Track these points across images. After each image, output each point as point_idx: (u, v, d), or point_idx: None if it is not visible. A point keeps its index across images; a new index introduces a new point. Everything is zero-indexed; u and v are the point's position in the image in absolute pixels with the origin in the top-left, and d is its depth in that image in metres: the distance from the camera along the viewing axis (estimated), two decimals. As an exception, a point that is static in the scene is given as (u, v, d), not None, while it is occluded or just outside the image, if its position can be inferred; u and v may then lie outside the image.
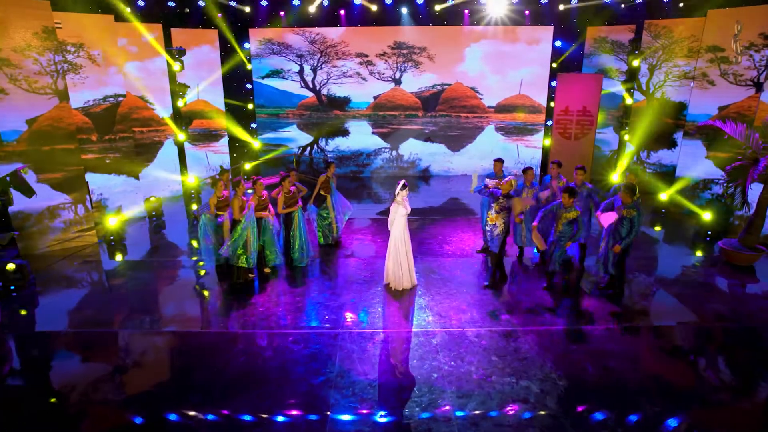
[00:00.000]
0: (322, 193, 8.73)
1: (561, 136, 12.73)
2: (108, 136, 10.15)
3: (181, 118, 12.39)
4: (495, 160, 8.25)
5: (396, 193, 6.81)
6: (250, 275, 7.49)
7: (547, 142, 13.66)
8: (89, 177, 10.02)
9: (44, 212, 8.63)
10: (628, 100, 12.25)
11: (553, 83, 13.19)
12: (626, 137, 12.56)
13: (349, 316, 6.45)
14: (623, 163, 12.64)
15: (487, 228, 7.25)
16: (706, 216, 9.54)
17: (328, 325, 6.24)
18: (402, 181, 6.86)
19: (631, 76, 12.21)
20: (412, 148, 14.60)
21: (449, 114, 14.32)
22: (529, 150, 14.44)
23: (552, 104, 13.07)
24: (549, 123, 13.68)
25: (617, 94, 12.93)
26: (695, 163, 10.55)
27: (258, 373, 5.26)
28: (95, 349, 5.91)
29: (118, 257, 8.82)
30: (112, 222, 9.34)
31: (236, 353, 5.67)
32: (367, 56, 13.77)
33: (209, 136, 13.62)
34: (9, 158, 8.04)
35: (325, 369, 5.31)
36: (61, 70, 8.51)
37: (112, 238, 9.33)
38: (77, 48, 9.40)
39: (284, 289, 7.31)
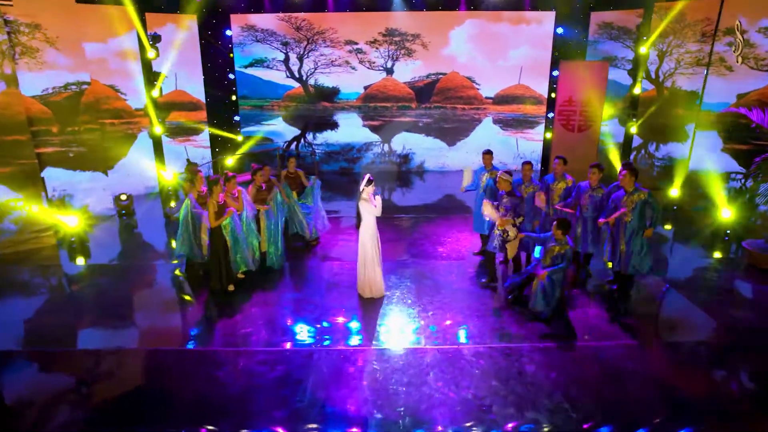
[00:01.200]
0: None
1: (563, 129, 11.92)
2: (71, 128, 9.26)
3: (157, 109, 11.50)
4: (484, 153, 7.40)
5: (360, 189, 6.01)
6: (231, 287, 6.62)
7: (549, 135, 12.84)
8: (50, 172, 9.18)
9: (-8, 211, 7.77)
10: (636, 90, 11.42)
11: (555, 72, 12.35)
12: (633, 129, 11.73)
13: (327, 331, 5.62)
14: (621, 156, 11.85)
15: (497, 232, 6.47)
16: (725, 213, 8.74)
17: (302, 341, 5.40)
18: (367, 176, 6.09)
19: (639, 63, 11.38)
20: (405, 142, 13.75)
21: (444, 105, 13.47)
22: (530, 144, 13.61)
23: (553, 95, 12.24)
24: (550, 115, 12.85)
25: (623, 83, 12.11)
26: (710, 156, 9.74)
27: (213, 403, 4.43)
28: (41, 369, 5.07)
29: (80, 261, 7.97)
30: (73, 222, 8.45)
31: (192, 376, 4.83)
32: (356, 44, 12.91)
33: (188, 129, 12.74)
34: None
35: (294, 398, 4.48)
36: (8, 52, 7.62)
37: (73, 239, 8.46)
38: (31, 29, 8.50)
39: (255, 298, 6.46)
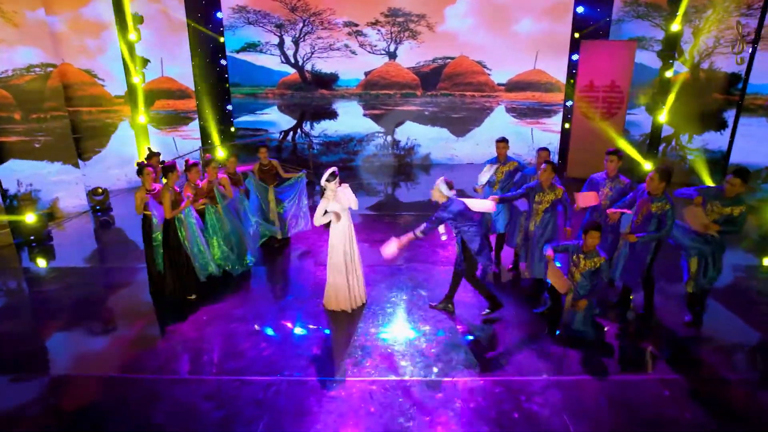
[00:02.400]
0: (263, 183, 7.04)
1: (584, 117, 10.75)
2: (35, 115, 8.43)
3: (140, 97, 10.64)
4: (498, 141, 6.34)
5: (321, 184, 5.03)
6: (190, 296, 5.73)
7: (567, 125, 11.66)
8: (14, 164, 8.36)
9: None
10: (667, 73, 10.17)
11: (575, 57, 11.15)
12: (662, 117, 10.49)
13: (290, 356, 4.65)
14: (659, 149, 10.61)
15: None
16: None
17: (259, 370, 4.44)
18: (331, 169, 5.07)
19: (671, 43, 10.13)
20: (409, 133, 12.70)
21: (452, 93, 12.37)
22: (546, 134, 12.44)
23: (573, 81, 11.05)
24: (569, 103, 11.67)
25: (652, 67, 10.85)
26: (756, 146, 8.50)
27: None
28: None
29: (41, 263, 7.14)
30: (29, 219, 7.61)
31: (115, 414, 3.91)
32: (356, 25, 11.87)
33: (177, 118, 11.88)
34: None
35: (238, 447, 3.53)
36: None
37: (33, 238, 7.63)
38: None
39: (213, 311, 5.51)
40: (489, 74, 12.19)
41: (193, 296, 5.69)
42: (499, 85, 12.25)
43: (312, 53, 12.11)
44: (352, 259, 5.24)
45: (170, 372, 4.41)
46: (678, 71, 10.26)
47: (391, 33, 11.92)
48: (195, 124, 12.10)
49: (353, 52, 12.10)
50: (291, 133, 12.81)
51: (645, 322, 5.16)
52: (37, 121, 8.45)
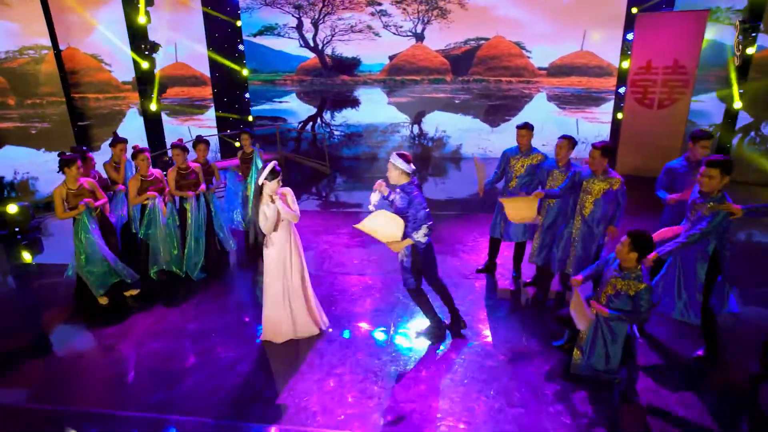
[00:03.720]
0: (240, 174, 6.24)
1: (638, 104, 9.20)
2: (31, 101, 8.05)
3: (150, 83, 10.13)
4: (519, 128, 5.16)
5: (259, 182, 3.90)
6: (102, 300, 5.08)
7: (620, 115, 10.09)
8: (9, 151, 8.04)
9: None
10: (749, 49, 8.39)
11: (630, 36, 9.55)
12: (738, 104, 8.73)
13: (216, 400, 3.75)
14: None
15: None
16: None
17: (194, 404, 3.58)
18: (271, 164, 3.91)
19: (755, 13, 8.35)
20: (438, 122, 11.54)
21: (486, 78, 11.08)
22: (594, 126, 10.91)
23: (627, 63, 9.47)
24: (622, 90, 10.09)
25: (726, 43, 9.11)
26: None
27: None
28: None
29: (25, 257, 6.70)
30: (12, 209, 7.19)
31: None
32: (380, 4, 10.84)
33: (192, 106, 11.37)
34: None
35: None
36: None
37: (18, 230, 7.22)
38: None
39: (150, 326, 4.71)
40: (529, 57, 10.80)
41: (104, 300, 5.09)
42: (540, 69, 10.83)
43: (332, 36, 11.21)
44: (294, 283, 4.17)
45: (58, 402, 3.63)
46: (763, 46, 8.48)
47: (419, 12, 10.79)
48: (211, 113, 11.54)
49: (377, 34, 11.08)
50: (311, 122, 12.00)
51: (706, 365, 3.88)
52: (32, 107, 8.07)
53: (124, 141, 5.69)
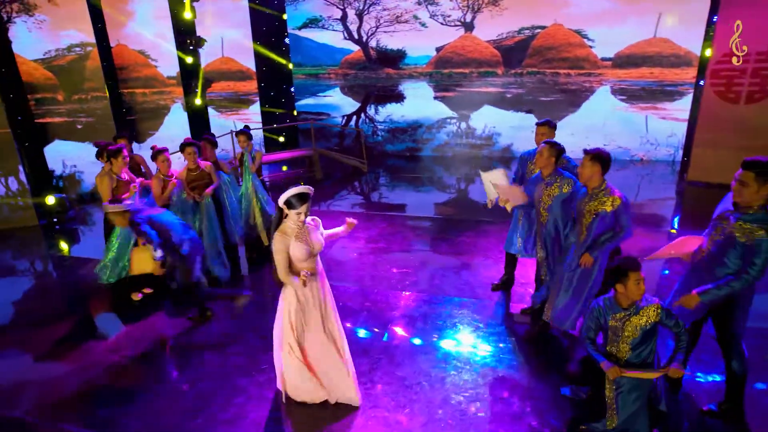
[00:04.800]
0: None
1: (720, 98, 7.90)
2: (77, 96, 8.35)
3: (195, 78, 10.27)
4: (538, 125, 4.46)
5: (281, 211, 3.02)
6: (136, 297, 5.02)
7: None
8: (58, 145, 8.41)
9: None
10: None
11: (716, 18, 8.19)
12: None
13: None
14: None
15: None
16: None
17: None
18: (299, 189, 2.96)
19: None
20: (487, 119, 10.73)
21: (542, 71, 10.10)
22: (667, 124, 9.60)
23: (709, 52, 8.14)
24: (702, 82, 8.74)
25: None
26: None
27: None
28: None
29: (62, 246, 6.95)
30: (50, 201, 7.48)
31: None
32: (427, -8, 10.22)
33: (237, 101, 11.43)
34: None
35: None
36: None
37: (55, 221, 7.52)
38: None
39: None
40: (591, 46, 9.69)
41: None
42: (604, 59, 9.68)
43: (377, 27, 10.74)
44: (321, 338, 3.29)
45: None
46: None
47: (468, 0, 10.03)
48: (256, 107, 11.55)
49: (423, 25, 10.46)
50: (354, 117, 11.65)
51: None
52: (78, 102, 8.37)
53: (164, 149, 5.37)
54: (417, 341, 4.17)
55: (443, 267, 5.56)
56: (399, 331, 4.34)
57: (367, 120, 11.53)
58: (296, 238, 3.05)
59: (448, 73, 10.66)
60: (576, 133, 10.09)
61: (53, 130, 8.23)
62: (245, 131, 5.84)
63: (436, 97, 10.93)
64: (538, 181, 3.94)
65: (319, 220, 3.27)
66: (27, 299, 5.46)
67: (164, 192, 5.12)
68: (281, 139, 11.56)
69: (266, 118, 11.56)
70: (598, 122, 9.99)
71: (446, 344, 4.11)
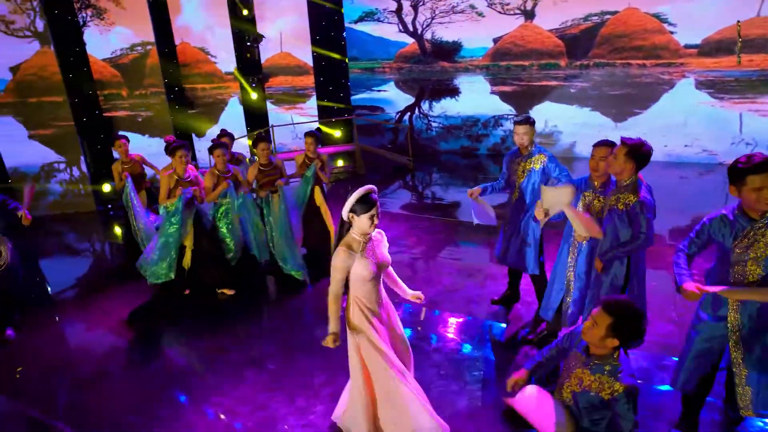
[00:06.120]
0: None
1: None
2: (138, 91, 9.00)
3: (250, 74, 10.63)
4: (516, 123, 3.92)
5: (343, 223, 2.67)
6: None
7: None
8: (122, 137, 9.13)
9: (40, 172, 7.93)
10: None
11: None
12: None
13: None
14: None
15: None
16: None
17: None
18: (364, 189, 2.58)
19: None
20: (548, 115, 9.82)
21: (612, 61, 8.98)
22: (765, 121, 8.08)
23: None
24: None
25: None
26: None
27: None
28: None
29: (114, 232, 7.57)
30: (106, 188, 8.13)
31: None
32: (485, -21, 9.55)
33: (295, 95, 11.64)
34: (-1, 110, 7.43)
35: None
36: (39, 8, 7.41)
37: (110, 206, 8.17)
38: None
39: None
40: (672, 32, 8.41)
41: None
42: (687, 47, 8.36)
43: (432, 18, 10.28)
44: (390, 372, 2.72)
45: None
46: None
47: (529, -16, 9.20)
48: (313, 102, 11.67)
49: (480, 14, 9.81)
50: (408, 113, 11.32)
51: None
52: (139, 97, 9.02)
53: (222, 145, 5.05)
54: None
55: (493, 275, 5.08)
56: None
57: (421, 115, 11.13)
58: (361, 254, 2.65)
59: (505, 66, 9.91)
60: (650, 134, 8.79)
61: (118, 123, 8.95)
62: (315, 133, 5.32)
63: (492, 92, 10.23)
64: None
65: (384, 233, 2.85)
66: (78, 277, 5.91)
67: (215, 189, 4.78)
68: (337, 134, 11.56)
69: (323, 112, 11.64)
70: (677, 120, 8.69)
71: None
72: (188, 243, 4.79)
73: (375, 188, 2.62)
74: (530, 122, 3.88)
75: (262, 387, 3.57)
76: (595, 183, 3.41)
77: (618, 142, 3.09)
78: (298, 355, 3.89)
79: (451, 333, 4.13)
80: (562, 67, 9.42)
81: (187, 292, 5.02)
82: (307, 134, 5.25)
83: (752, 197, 2.28)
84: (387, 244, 2.84)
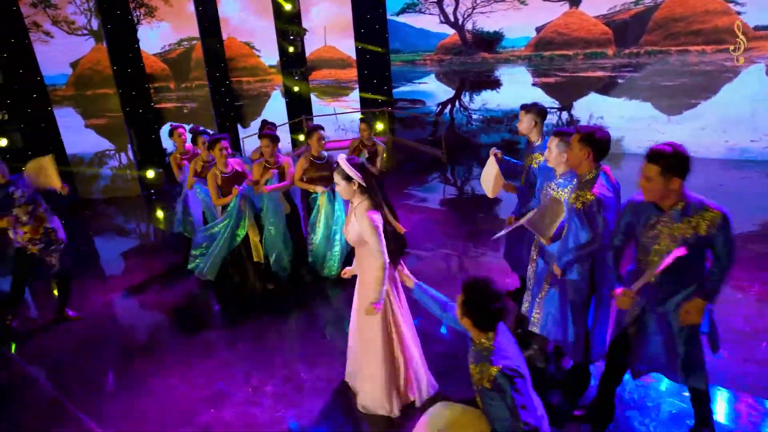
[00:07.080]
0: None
1: None
2: (184, 84, 9.60)
3: (294, 67, 10.94)
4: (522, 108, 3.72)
5: (355, 190, 2.82)
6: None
7: None
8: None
9: (93, 158, 8.72)
10: None
11: None
12: None
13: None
14: None
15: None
16: None
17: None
18: (351, 163, 2.77)
19: None
20: (594, 108, 9.15)
21: (666, 49, 8.15)
22: None
23: None
24: None
25: None
26: None
27: None
28: None
29: (158, 215, 8.15)
30: (150, 174, 8.75)
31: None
32: (528, -36, 9.06)
33: (338, 88, 11.81)
34: (61, 102, 8.25)
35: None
36: (93, 7, 8.09)
37: (153, 191, 8.81)
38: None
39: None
40: (739, 12, 7.47)
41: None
42: (757, 29, 7.39)
43: (473, 8, 9.94)
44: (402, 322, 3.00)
45: None
46: None
47: (575, -33, 8.60)
48: (356, 94, 11.78)
49: (522, 2, 9.34)
50: (449, 105, 11.06)
51: None
52: (185, 90, 9.61)
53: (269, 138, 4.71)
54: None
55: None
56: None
57: (461, 108, 10.83)
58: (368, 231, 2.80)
59: (549, 56, 9.35)
60: (709, 127, 7.99)
61: (166, 114, 9.60)
62: (369, 119, 5.23)
63: (534, 84, 9.71)
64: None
65: (380, 218, 2.84)
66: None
67: (262, 179, 4.50)
68: (379, 126, 11.58)
69: (366, 104, 11.71)
70: (743, 113, 7.73)
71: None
72: (253, 236, 4.59)
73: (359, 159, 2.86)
74: (528, 109, 3.60)
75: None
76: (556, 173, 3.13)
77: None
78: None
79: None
80: (609, 57, 8.72)
81: (271, 286, 4.79)
82: (362, 120, 5.10)
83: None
84: (379, 220, 2.78)
